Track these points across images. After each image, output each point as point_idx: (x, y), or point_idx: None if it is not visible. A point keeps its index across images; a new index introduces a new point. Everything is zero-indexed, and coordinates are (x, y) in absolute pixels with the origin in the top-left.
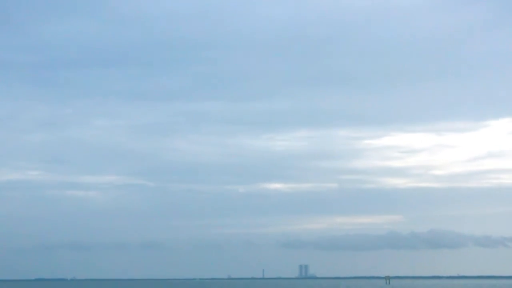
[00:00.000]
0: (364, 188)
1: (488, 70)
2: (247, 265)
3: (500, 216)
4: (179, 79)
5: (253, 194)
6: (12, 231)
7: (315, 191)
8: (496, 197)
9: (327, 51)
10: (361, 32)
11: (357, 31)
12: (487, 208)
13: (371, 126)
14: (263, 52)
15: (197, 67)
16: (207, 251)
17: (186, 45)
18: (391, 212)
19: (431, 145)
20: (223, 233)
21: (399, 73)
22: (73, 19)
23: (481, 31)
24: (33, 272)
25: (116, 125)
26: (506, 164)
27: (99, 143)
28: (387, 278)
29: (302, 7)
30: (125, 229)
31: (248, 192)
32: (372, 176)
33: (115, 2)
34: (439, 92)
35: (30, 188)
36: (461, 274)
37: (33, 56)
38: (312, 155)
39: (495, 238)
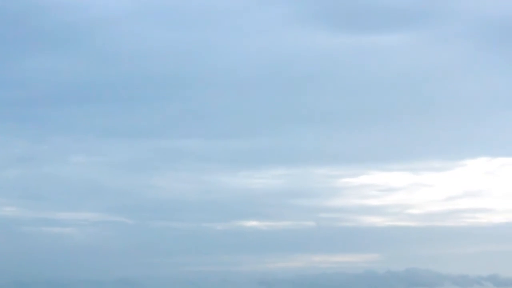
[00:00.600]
0: (341, 226)
1: (464, 109)
2: None
3: (476, 255)
4: (156, 116)
5: (230, 232)
6: None
7: (292, 229)
8: (473, 237)
9: (305, 89)
10: (339, 71)
11: (335, 70)
12: (464, 248)
13: (349, 165)
14: (241, 90)
15: (175, 104)
16: None
17: (164, 82)
18: (368, 250)
19: (408, 184)
20: (200, 270)
21: (377, 112)
22: (50, 55)
23: (459, 71)
24: None
25: (94, 161)
26: (483, 204)
27: (76, 180)
28: None
29: (280, 45)
30: (102, 267)
31: (225, 230)
32: (350, 214)
33: (92, 39)
34: (416, 131)
35: (6, 224)
36: None
37: (10, 92)
38: (290, 193)
39: (472, 277)
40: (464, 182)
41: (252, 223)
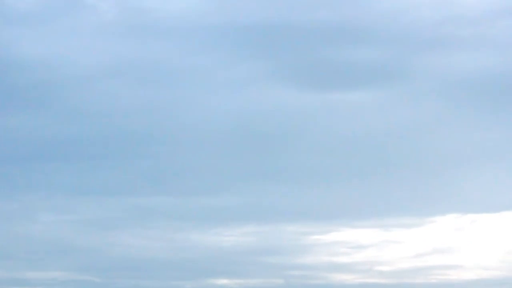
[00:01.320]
0: (311, 284)
1: (433, 166)
2: None
3: None
4: (125, 173)
5: None
6: None
7: (262, 286)
8: None
9: (274, 147)
10: (307, 128)
11: (304, 127)
12: None
13: (319, 222)
14: (210, 147)
15: (144, 162)
16: None
17: (132, 139)
18: None
19: (378, 241)
20: None
21: (347, 169)
22: (17, 113)
23: (428, 128)
24: None
25: (63, 220)
26: (453, 260)
27: (45, 238)
28: None
29: (249, 102)
30: None
31: None
32: (320, 271)
33: (59, 96)
34: (386, 187)
35: None
36: None
37: None
38: (260, 251)
39: None
40: (434, 238)
41: (223, 281)
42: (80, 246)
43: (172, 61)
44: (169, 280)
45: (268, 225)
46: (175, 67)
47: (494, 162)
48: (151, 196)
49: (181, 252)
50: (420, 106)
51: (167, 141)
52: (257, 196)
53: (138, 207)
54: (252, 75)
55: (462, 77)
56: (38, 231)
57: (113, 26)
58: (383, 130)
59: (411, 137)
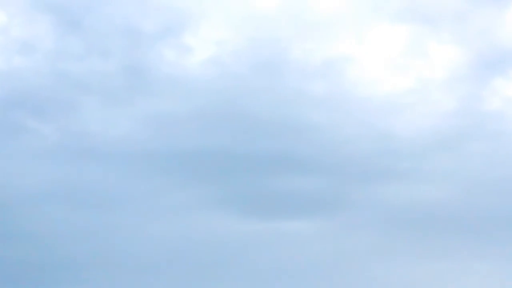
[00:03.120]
0: None
1: None
2: None
3: None
4: None
5: None
6: None
7: None
8: None
9: (212, 275)
10: (249, 256)
11: (245, 255)
12: None
13: None
14: (146, 274)
15: (78, 287)
16: None
17: (68, 264)
18: None
19: None
20: None
21: None
22: None
23: (367, 257)
24: None
25: None
26: None
27: None
28: None
29: (189, 229)
30: None
31: None
32: None
33: None
34: None
35: None
36: None
37: None
38: None
39: None
40: None
41: None
42: None
43: (112, 186)
44: None
45: None
46: (116, 192)
47: None
48: None
49: None
50: (359, 236)
51: (104, 267)
52: None
53: None
54: (192, 202)
55: (399, 208)
56: None
57: (55, 150)
58: (325, 260)
59: (351, 267)
